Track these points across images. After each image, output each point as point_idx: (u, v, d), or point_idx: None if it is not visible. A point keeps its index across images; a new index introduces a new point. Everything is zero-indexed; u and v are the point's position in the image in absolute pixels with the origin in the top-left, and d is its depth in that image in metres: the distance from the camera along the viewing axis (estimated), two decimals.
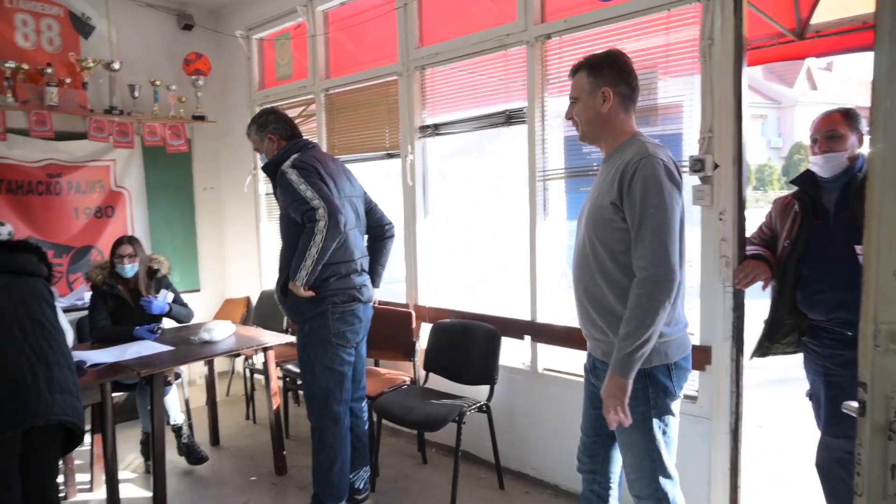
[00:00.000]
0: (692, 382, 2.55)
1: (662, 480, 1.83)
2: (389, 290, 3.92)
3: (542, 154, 2.95)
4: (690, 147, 2.48)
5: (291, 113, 4.33)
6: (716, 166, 2.36)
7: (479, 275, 3.66)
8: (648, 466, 1.83)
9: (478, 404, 2.98)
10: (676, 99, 2.55)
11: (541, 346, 3.07)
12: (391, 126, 3.67)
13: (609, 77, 1.81)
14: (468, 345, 3.18)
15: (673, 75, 2.54)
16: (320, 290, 2.56)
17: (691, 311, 2.51)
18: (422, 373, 3.36)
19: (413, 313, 3.50)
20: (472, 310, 3.35)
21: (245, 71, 4.69)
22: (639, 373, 1.74)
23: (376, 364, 3.66)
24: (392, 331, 3.49)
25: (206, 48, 4.71)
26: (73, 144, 4.13)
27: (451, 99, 3.44)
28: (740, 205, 2.31)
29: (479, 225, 3.62)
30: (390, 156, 3.71)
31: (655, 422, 1.80)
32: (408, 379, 3.41)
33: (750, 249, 2.32)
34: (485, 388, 3.06)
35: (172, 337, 3.31)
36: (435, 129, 3.47)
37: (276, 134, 2.70)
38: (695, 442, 2.50)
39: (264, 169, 2.71)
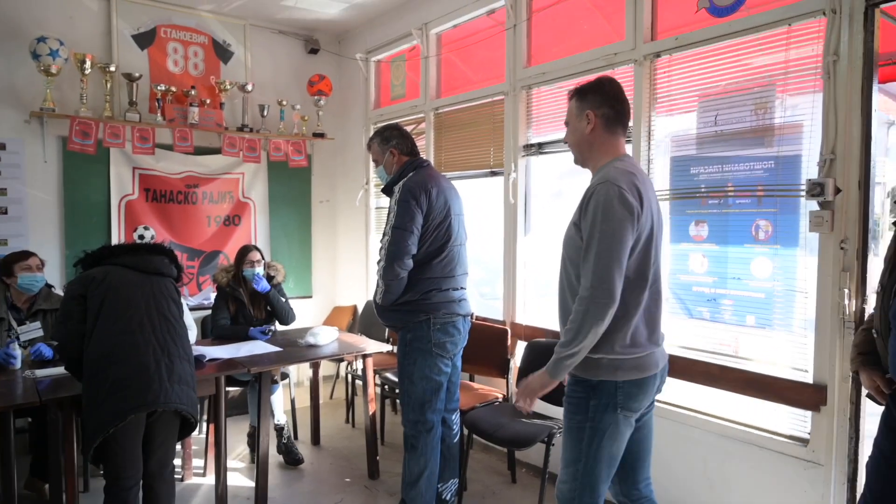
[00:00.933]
0: (802, 423, 2.35)
1: (583, 494, 1.89)
2: (487, 306, 3.95)
3: (647, 174, 2.86)
4: (811, 170, 2.31)
5: None
6: (838, 191, 2.18)
7: None
8: (571, 475, 1.91)
9: None
10: (796, 119, 2.39)
11: None
12: (496, 144, 3.72)
13: (592, 101, 1.92)
14: None
15: (792, 93, 2.38)
16: (420, 302, 2.66)
17: (805, 347, 2.34)
18: (515, 390, 3.34)
19: (509, 330, 3.51)
20: None
21: (362, 91, 4.96)
22: (584, 383, 1.88)
23: (471, 378, 3.69)
24: (487, 347, 3.51)
25: (328, 70, 5.04)
26: (209, 158, 4.57)
27: (556, 118, 3.43)
28: (865, 233, 2.11)
29: None
30: (494, 174, 3.75)
31: (589, 434, 1.87)
32: (500, 395, 3.41)
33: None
34: None
35: (282, 339, 3.54)
36: (539, 148, 3.48)
37: (397, 149, 2.80)
38: (804, 489, 2.29)
39: (384, 190, 2.83)
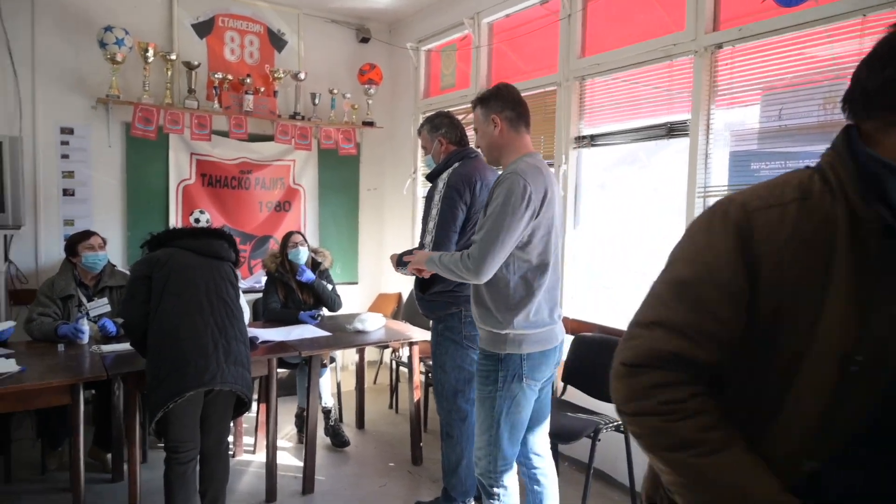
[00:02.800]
0: None
1: (497, 458, 2.14)
2: None
3: (703, 169, 2.80)
4: None
5: None
6: None
7: (627, 290, 3.56)
8: (489, 439, 2.14)
9: (615, 423, 2.90)
10: None
11: None
12: (546, 136, 3.69)
13: (496, 106, 2.15)
14: (608, 360, 3.08)
15: None
16: (453, 293, 2.68)
17: None
18: (559, 384, 3.34)
19: None
20: (616, 325, 3.27)
21: (412, 80, 4.98)
22: (493, 356, 2.11)
23: None
24: None
25: (379, 59, 5.08)
26: (262, 145, 4.67)
27: (609, 110, 3.38)
28: None
29: (631, 239, 3.52)
30: None
31: (499, 402, 2.10)
32: None
33: None
34: None
35: (330, 324, 3.62)
36: (591, 140, 3.44)
37: (445, 137, 2.81)
38: None
39: (428, 177, 2.86)
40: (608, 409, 3.06)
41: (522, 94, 3.80)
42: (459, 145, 2.83)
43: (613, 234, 3.56)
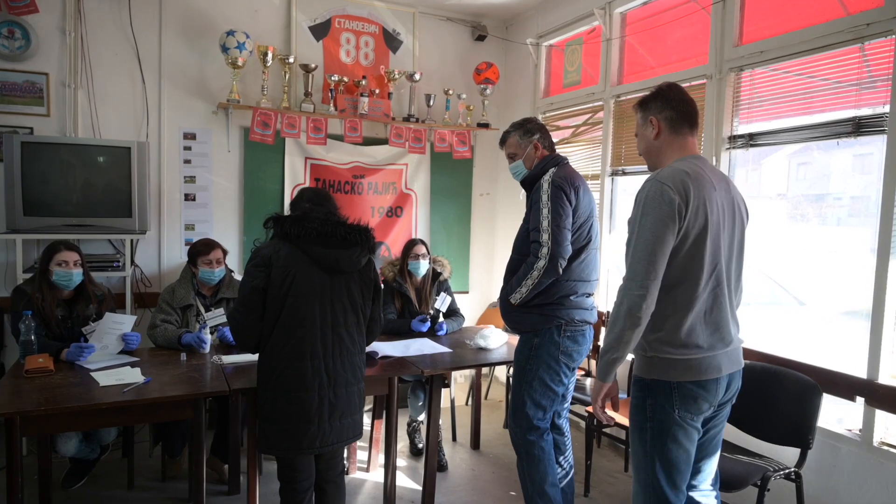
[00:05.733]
0: None
1: (657, 497, 1.86)
2: None
3: None
4: None
5: (576, 121, 4.23)
6: None
7: (786, 312, 3.09)
8: (645, 479, 1.89)
9: (785, 469, 2.47)
10: None
11: (879, 414, 2.43)
12: None
13: (654, 107, 1.95)
14: (774, 395, 2.66)
15: None
16: (554, 306, 2.53)
17: None
18: None
19: None
20: (776, 352, 2.82)
21: (531, 78, 4.69)
22: (640, 382, 1.89)
23: None
24: None
25: (495, 57, 4.83)
26: (375, 149, 4.54)
27: (771, 104, 2.94)
28: None
29: (797, 252, 3.05)
30: None
31: (651, 434, 1.86)
32: None
33: None
34: (789, 451, 2.55)
35: (450, 339, 3.39)
36: (749, 140, 3.00)
37: (541, 143, 2.71)
38: None
39: (524, 184, 2.72)
40: (772, 451, 2.64)
41: None
42: (551, 151, 2.74)
43: (773, 246, 3.10)
